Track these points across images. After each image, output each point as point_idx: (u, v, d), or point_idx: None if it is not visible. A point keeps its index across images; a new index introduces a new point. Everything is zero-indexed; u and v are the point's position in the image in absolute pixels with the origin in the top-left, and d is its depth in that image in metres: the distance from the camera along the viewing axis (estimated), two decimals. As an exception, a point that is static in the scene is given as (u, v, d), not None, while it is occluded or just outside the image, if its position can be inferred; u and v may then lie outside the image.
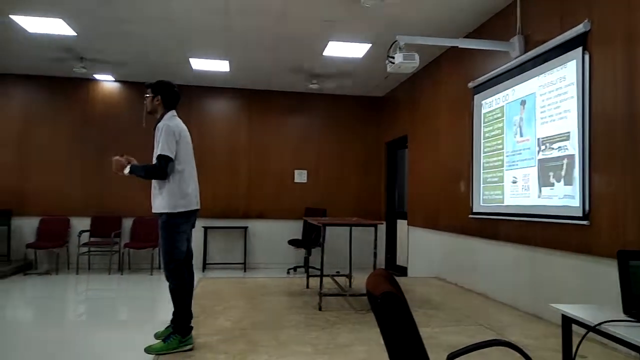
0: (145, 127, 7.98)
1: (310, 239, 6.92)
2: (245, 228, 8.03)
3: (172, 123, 3.35)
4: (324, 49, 6.11)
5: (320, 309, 4.35)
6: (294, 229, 8.05)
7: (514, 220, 4.50)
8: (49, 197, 7.60)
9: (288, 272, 7.59)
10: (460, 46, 5.04)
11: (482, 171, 5.11)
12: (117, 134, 7.73)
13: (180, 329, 3.24)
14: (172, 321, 3.31)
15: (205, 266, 7.79)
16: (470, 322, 4.04)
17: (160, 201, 3.29)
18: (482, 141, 5.13)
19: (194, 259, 3.57)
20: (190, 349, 3.22)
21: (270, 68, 7.06)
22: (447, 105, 6.07)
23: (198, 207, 3.43)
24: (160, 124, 3.34)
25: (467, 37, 5.44)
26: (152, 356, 3.13)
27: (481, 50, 5.05)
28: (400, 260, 7.69)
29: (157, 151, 3.25)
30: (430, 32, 5.30)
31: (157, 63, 6.87)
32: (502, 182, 4.73)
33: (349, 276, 5.37)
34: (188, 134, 3.49)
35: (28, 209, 7.53)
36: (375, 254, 4.50)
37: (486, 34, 5.08)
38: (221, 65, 6.95)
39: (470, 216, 5.25)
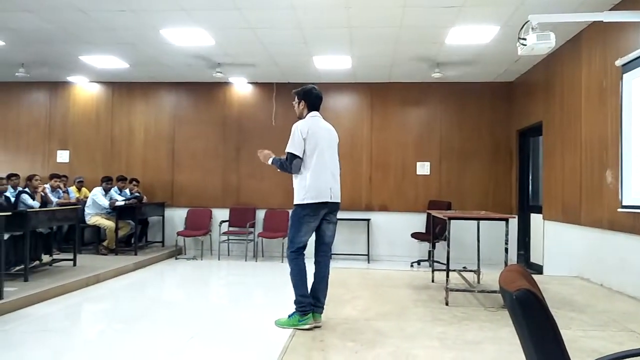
0: (275, 125, 8.51)
1: (435, 232, 6.78)
2: (368, 220, 8.14)
3: (302, 122, 3.65)
4: (446, 37, 5.91)
5: (446, 304, 4.26)
6: (417, 221, 7.95)
7: (675, 215, 3.92)
8: (194, 190, 8.53)
9: (412, 266, 7.53)
10: (605, 20, 4.49)
11: (633, 159, 4.52)
12: (251, 132, 8.37)
13: (299, 309, 3.53)
14: (294, 301, 3.60)
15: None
16: (618, 327, 3.63)
17: (294, 194, 3.62)
18: (634, 125, 4.53)
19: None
20: (308, 329, 3.48)
21: (391, 60, 7.03)
22: (589, 86, 5.47)
23: (331, 200, 3.60)
24: (293, 125, 3.65)
25: (613, 9, 4.84)
26: (280, 331, 3.49)
27: (631, 23, 4.45)
28: (534, 258, 7.15)
29: (286, 148, 3.61)
30: (568, 7, 4.82)
31: (284, 64, 7.26)
32: (660, 171, 4.13)
33: (477, 272, 5.16)
34: (324, 131, 3.70)
35: (177, 201, 8.54)
36: (506, 250, 4.26)
37: (637, 3, 4.46)
38: (344, 62, 7.11)
39: (620, 210, 4.67)
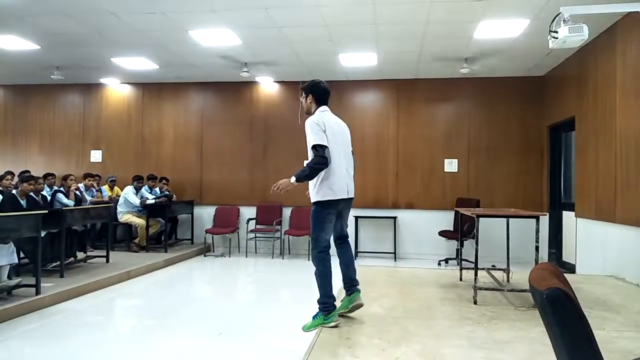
0: (301, 123, 8.52)
1: (463, 230, 6.68)
2: (395, 218, 8.09)
3: (315, 117, 3.54)
4: (474, 31, 5.81)
5: (475, 303, 4.19)
6: (444, 219, 7.86)
7: None
8: (222, 188, 8.66)
9: (439, 264, 7.45)
10: (642, 10, 4.33)
11: (672, 155, 4.35)
12: (277, 131, 8.44)
13: (323, 309, 3.50)
14: (318, 300, 3.56)
15: (357, 254, 8.06)
16: (657, 329, 3.51)
17: (313, 192, 3.54)
18: (673, 119, 4.35)
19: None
20: (334, 326, 3.44)
21: (417, 56, 6.96)
22: (624, 79, 5.28)
23: (348, 196, 3.56)
24: (306, 121, 3.53)
25: (651, -2, 4.65)
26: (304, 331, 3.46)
27: (671, 12, 4.27)
28: (566, 256, 6.97)
29: (311, 143, 3.44)
30: (602, -2, 4.67)
31: (309, 62, 7.29)
32: (701, 167, 3.96)
33: (507, 270, 5.06)
34: (336, 126, 3.62)
35: (206, 199, 8.68)
36: (537, 248, 4.16)
37: (678, -8, 4.28)
38: (369, 59, 7.08)
39: (657, 207, 4.52)
